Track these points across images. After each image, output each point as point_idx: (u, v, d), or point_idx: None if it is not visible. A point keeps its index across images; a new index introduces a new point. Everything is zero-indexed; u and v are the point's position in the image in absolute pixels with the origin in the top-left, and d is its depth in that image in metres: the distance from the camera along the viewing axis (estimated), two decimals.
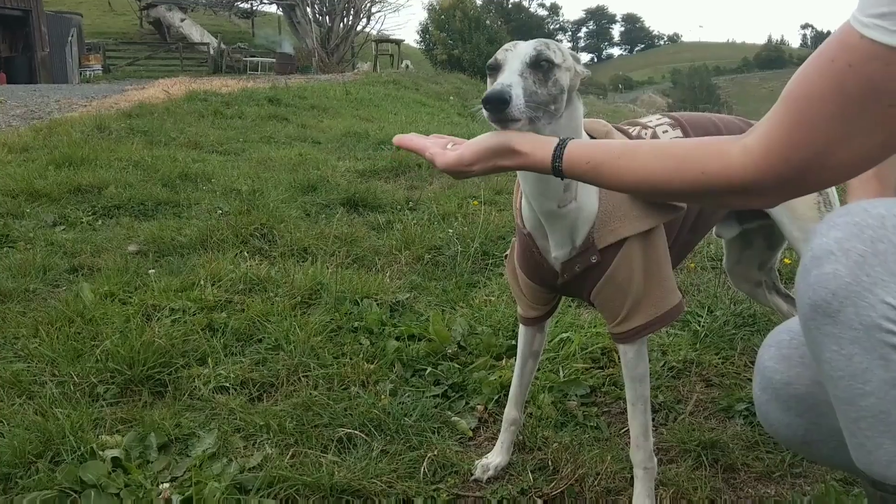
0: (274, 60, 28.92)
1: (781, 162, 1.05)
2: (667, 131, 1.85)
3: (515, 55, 1.43)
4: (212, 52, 30.94)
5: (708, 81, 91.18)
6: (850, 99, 0.95)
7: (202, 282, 3.21)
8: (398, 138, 1.48)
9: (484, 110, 1.35)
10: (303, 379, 2.47)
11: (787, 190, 1.12)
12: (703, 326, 2.83)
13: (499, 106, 1.33)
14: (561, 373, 2.54)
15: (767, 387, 1.32)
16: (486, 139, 1.36)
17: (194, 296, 3.04)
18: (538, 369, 2.56)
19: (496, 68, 1.45)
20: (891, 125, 0.96)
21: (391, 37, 30.76)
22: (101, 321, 2.81)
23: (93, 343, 2.64)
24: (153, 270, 3.45)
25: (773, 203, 1.28)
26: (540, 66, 1.42)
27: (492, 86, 1.40)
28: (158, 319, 2.83)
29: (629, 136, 1.79)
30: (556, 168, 1.31)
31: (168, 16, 34.28)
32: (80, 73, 27.32)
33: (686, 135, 1.85)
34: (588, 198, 1.62)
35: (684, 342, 2.74)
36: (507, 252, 1.92)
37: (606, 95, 63.03)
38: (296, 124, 9.70)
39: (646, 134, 1.83)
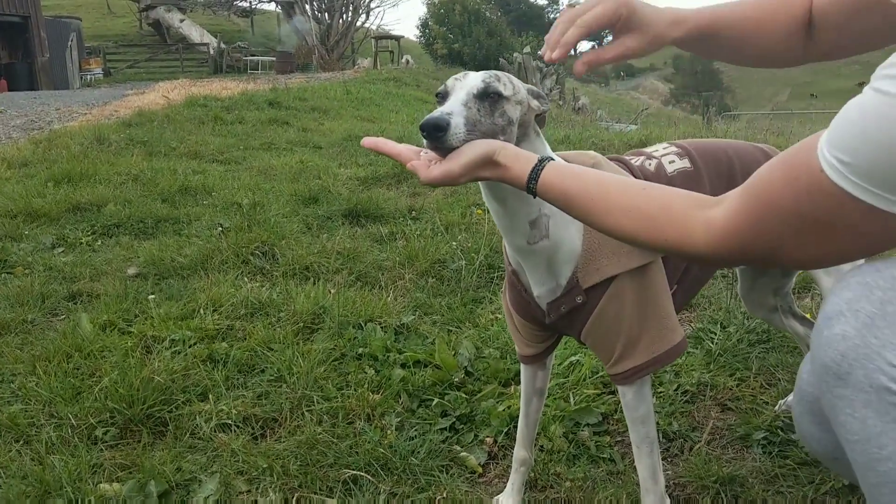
0: (274, 59, 28.81)
1: (739, 249, 1.08)
2: (673, 161, 1.78)
3: (463, 85, 1.39)
4: (212, 52, 30.84)
5: (710, 66, 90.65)
6: (805, 220, 0.98)
7: (202, 309, 3.15)
8: (368, 141, 1.40)
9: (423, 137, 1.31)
10: (306, 414, 2.41)
11: (750, 265, 1.12)
12: (716, 344, 2.75)
13: (434, 133, 1.28)
14: (571, 399, 2.46)
15: (802, 399, 1.30)
16: (475, 150, 1.30)
17: (194, 325, 2.97)
18: (547, 395, 2.50)
19: (444, 96, 1.40)
20: (845, 247, 0.99)
21: (391, 32, 30.66)
22: (100, 355, 2.75)
23: (91, 380, 2.59)
24: (153, 296, 3.39)
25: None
26: (487, 97, 1.38)
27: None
28: (158, 352, 2.76)
29: (632, 170, 1.72)
30: (530, 188, 1.27)
31: (167, 17, 34.21)
32: (81, 78, 27.29)
33: (694, 165, 1.77)
34: (565, 234, 1.56)
35: (697, 362, 2.66)
36: (504, 287, 1.85)
37: (608, 84, 62.79)
38: (297, 128, 9.63)
39: (650, 165, 1.76)
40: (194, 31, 33.63)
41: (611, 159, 1.76)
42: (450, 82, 1.42)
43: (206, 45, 32.01)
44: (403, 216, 4.85)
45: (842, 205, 0.93)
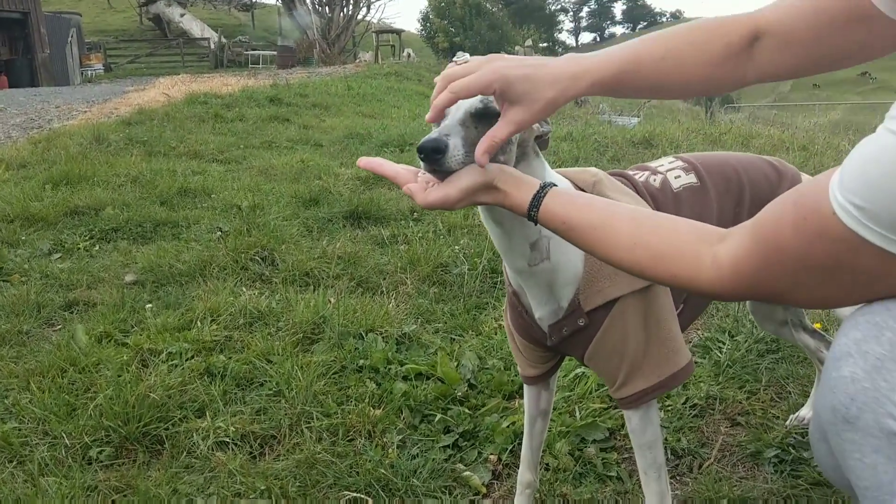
0: (275, 53, 28.73)
1: (747, 288, 1.04)
2: (679, 177, 1.71)
3: (460, 105, 1.30)
4: (213, 46, 30.78)
5: None
6: (814, 263, 0.94)
7: (200, 319, 3.09)
8: (364, 161, 1.34)
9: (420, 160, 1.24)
10: (306, 430, 2.35)
11: (760, 301, 1.07)
12: (724, 354, 2.69)
13: (432, 156, 1.21)
14: (577, 414, 2.41)
15: (819, 427, 1.22)
16: (474, 175, 1.23)
17: (192, 336, 2.91)
18: (553, 409, 2.45)
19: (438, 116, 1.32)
20: (857, 291, 0.96)
21: (392, 25, 30.53)
22: (95, 369, 2.70)
23: (87, 395, 2.54)
24: (150, 305, 3.34)
25: None
26: (486, 117, 1.30)
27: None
28: (155, 366, 2.71)
29: (636, 186, 1.65)
30: (531, 216, 1.22)
31: (167, 11, 34.17)
32: (82, 73, 27.27)
33: (701, 181, 1.71)
34: (566, 256, 1.50)
35: (706, 374, 2.61)
36: (505, 306, 1.79)
37: None
38: (297, 125, 9.56)
39: (655, 180, 1.69)
40: (195, 26, 33.58)
41: (614, 175, 1.70)
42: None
43: (207, 39, 31.97)
44: (405, 218, 4.79)
45: (855, 250, 0.88)
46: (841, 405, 0.96)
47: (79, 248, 4.30)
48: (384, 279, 3.71)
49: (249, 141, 8.14)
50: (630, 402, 1.60)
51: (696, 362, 2.72)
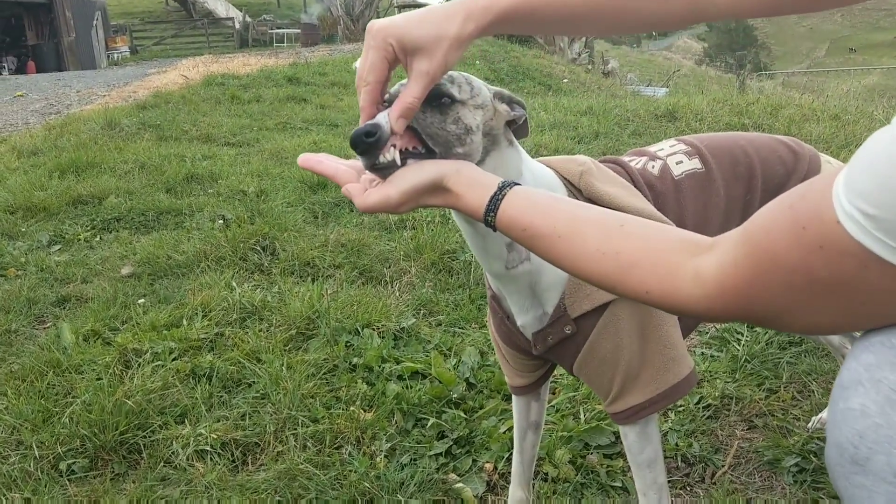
0: (299, 32, 28.53)
1: (737, 308, 0.86)
2: (681, 162, 1.52)
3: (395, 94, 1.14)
4: (237, 26, 30.64)
5: (744, 22, 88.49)
6: (817, 281, 0.77)
7: (191, 316, 2.95)
8: (302, 159, 1.16)
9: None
10: (290, 438, 2.21)
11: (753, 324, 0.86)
12: (743, 347, 2.50)
13: (364, 141, 1.04)
14: (582, 416, 2.24)
15: (827, 464, 1.05)
16: (418, 175, 1.07)
17: (179, 335, 2.77)
18: (556, 411, 2.29)
19: (389, 103, 1.14)
20: (867, 313, 0.78)
21: (416, 0, 30.16)
22: (77, 372, 2.58)
23: (66, 400, 2.41)
24: (142, 300, 3.21)
25: None
26: (437, 101, 1.14)
27: None
28: (139, 367, 2.58)
29: (631, 175, 1.47)
30: (488, 221, 1.04)
31: None
32: (108, 56, 27.29)
33: (706, 166, 1.52)
34: None
35: (722, 369, 2.42)
36: (488, 312, 1.62)
37: (640, 44, 61.55)
38: (314, 105, 9.39)
39: (654, 168, 1.51)
40: (220, 6, 33.47)
41: (606, 162, 1.51)
42: (394, 88, 1.18)
43: (232, 19, 31.83)
44: None
45: (864, 266, 0.72)
46: (848, 443, 0.79)
47: (79, 240, 4.19)
48: (388, 267, 3.55)
49: (264, 122, 7.99)
50: (626, 417, 1.43)
51: (711, 356, 2.53)
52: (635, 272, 0.93)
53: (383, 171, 1.07)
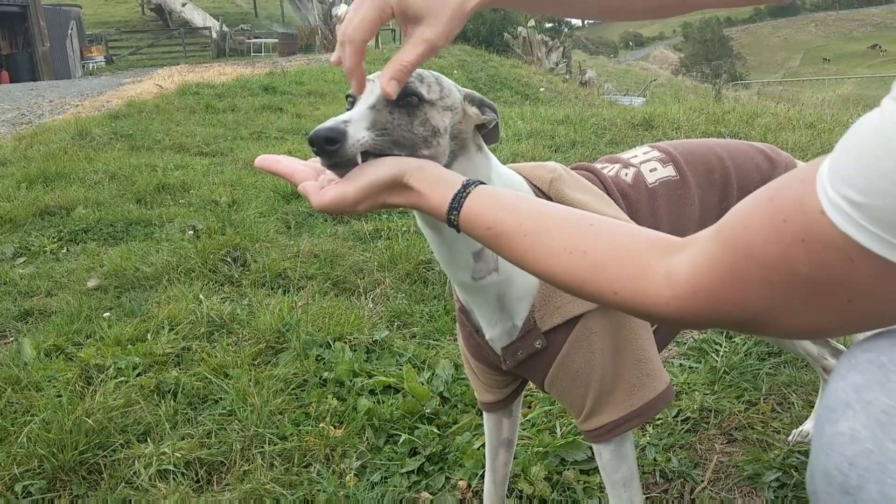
0: (277, 41, 28.42)
1: (711, 310, 0.80)
2: (655, 169, 1.47)
3: (373, 89, 1.09)
4: (214, 35, 30.47)
5: (720, 33, 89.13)
6: (799, 278, 0.71)
7: (157, 330, 2.87)
8: (259, 161, 1.11)
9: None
10: (257, 456, 2.13)
11: (729, 330, 0.79)
12: (721, 358, 2.46)
13: (325, 148, 0.99)
14: (558, 430, 2.18)
15: (812, 491, 0.99)
16: (377, 171, 1.02)
17: (144, 349, 2.69)
18: (531, 425, 2.23)
19: (351, 105, 1.10)
20: (853, 313, 0.71)
21: None
22: (36, 388, 2.49)
23: (25, 418, 2.32)
24: (108, 314, 3.12)
25: None
26: (404, 101, 1.08)
27: None
28: (102, 383, 2.49)
29: (603, 183, 1.42)
30: (451, 221, 0.99)
31: (169, 1, 33.83)
32: (83, 66, 27.03)
33: (680, 173, 1.47)
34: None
35: (700, 381, 2.37)
36: (457, 325, 1.56)
37: (617, 54, 61.94)
38: (290, 114, 9.31)
39: (627, 175, 1.45)
40: (196, 15, 33.27)
41: (578, 169, 1.46)
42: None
43: (209, 28, 31.65)
44: (388, 210, 4.55)
45: (850, 260, 0.66)
46: (837, 471, 0.73)
47: (45, 251, 4.09)
48: (362, 278, 3.48)
49: (238, 132, 7.90)
50: (599, 435, 1.37)
51: (690, 368, 2.49)
52: (603, 271, 0.87)
53: (341, 168, 1.01)
